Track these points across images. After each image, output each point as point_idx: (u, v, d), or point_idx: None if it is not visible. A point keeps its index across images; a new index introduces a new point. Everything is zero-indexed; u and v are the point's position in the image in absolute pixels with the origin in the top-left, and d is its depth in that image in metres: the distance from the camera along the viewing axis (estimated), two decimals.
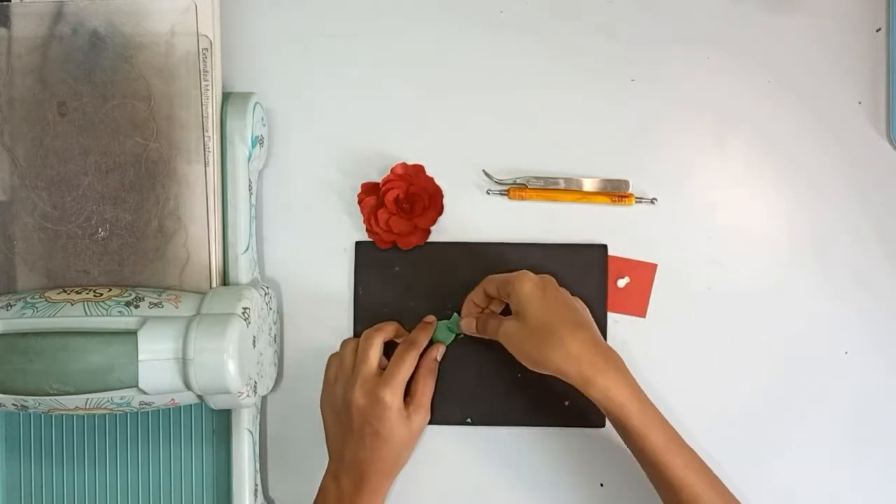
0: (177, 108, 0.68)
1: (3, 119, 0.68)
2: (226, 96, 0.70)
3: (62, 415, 0.69)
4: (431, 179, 0.74)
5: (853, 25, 0.75)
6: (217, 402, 0.64)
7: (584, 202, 0.74)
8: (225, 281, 0.69)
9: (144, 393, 0.60)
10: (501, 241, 0.74)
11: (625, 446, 0.70)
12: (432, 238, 0.74)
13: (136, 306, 0.62)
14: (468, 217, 0.74)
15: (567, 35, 0.75)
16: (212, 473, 0.70)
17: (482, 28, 0.75)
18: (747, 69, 0.74)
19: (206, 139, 0.68)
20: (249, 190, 0.70)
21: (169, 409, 0.69)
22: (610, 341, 0.73)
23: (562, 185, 0.73)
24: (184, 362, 0.59)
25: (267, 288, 0.71)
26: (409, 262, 0.74)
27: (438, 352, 0.72)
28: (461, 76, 0.75)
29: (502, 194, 0.74)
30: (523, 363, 0.65)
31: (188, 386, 0.60)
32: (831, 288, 0.74)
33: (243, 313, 0.63)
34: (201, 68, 0.67)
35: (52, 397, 0.59)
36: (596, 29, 0.75)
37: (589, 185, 0.74)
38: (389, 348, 0.71)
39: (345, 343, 0.72)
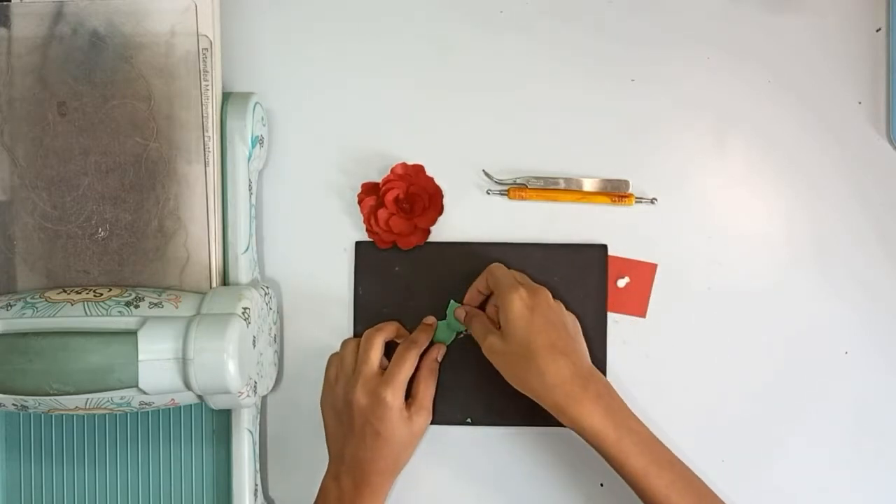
0: (177, 108, 0.68)
1: (3, 119, 0.68)
2: (226, 96, 0.70)
3: (62, 415, 0.69)
4: (431, 179, 0.74)
5: (853, 25, 0.74)
6: (217, 402, 0.64)
7: (584, 202, 0.74)
8: (225, 281, 0.69)
9: (144, 393, 0.60)
10: (501, 241, 0.74)
11: None
12: (432, 238, 0.74)
13: (136, 306, 0.62)
14: (468, 217, 0.74)
15: (567, 35, 0.75)
16: (212, 473, 0.70)
17: (482, 28, 0.75)
18: (747, 69, 0.74)
19: (206, 139, 0.68)
20: (249, 190, 0.70)
21: (169, 409, 0.69)
22: (610, 341, 0.73)
23: (562, 185, 0.73)
24: (184, 362, 0.59)
25: (267, 288, 0.71)
26: (409, 262, 0.74)
27: (439, 352, 0.72)
28: (461, 76, 0.75)
29: (502, 194, 0.74)
30: (505, 379, 0.66)
31: (188, 386, 0.60)
32: (831, 288, 0.73)
33: (243, 313, 0.63)
34: (201, 68, 0.67)
35: (52, 397, 0.59)
36: (596, 29, 0.75)
37: (589, 185, 0.74)
38: (390, 349, 0.71)
39: (345, 343, 0.72)
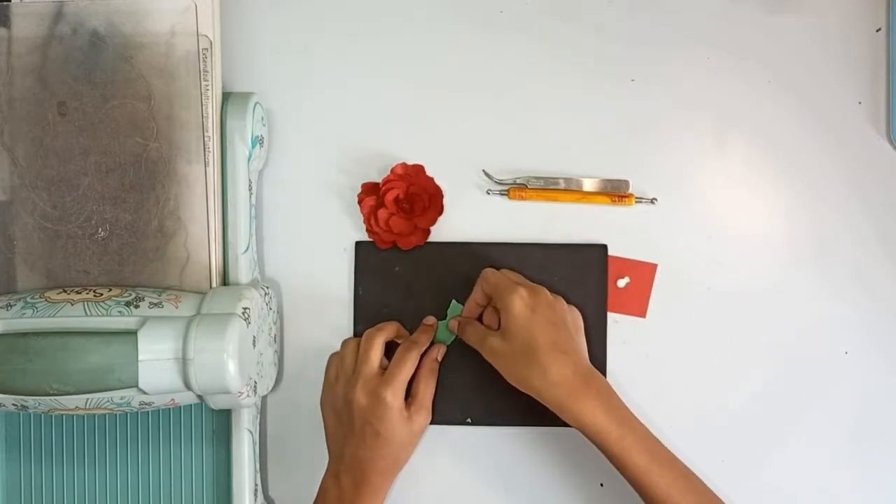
0: (177, 108, 0.68)
1: (3, 119, 0.68)
2: (226, 96, 0.70)
3: (62, 415, 0.69)
4: (431, 179, 0.74)
5: (853, 25, 0.74)
6: (217, 402, 0.64)
7: (584, 202, 0.74)
8: (225, 281, 0.69)
9: (144, 393, 0.60)
10: (501, 241, 0.74)
11: None
12: (432, 238, 0.74)
13: (136, 306, 0.62)
14: (468, 217, 0.74)
15: (567, 35, 0.75)
16: (212, 473, 0.70)
17: (482, 28, 0.75)
18: (747, 69, 0.74)
19: (206, 139, 0.68)
20: (249, 190, 0.70)
21: (169, 409, 0.69)
22: (610, 342, 0.73)
23: (562, 185, 0.73)
24: (184, 362, 0.59)
25: (267, 288, 0.71)
26: (409, 262, 0.74)
27: (439, 352, 0.72)
28: (461, 76, 0.75)
29: (502, 194, 0.74)
30: (507, 379, 0.66)
31: (188, 386, 0.60)
32: (831, 288, 0.73)
33: (243, 313, 0.63)
34: (201, 68, 0.67)
35: (52, 397, 0.59)
36: (596, 29, 0.75)
37: (589, 185, 0.74)
38: (390, 349, 0.71)
39: (345, 343, 0.72)
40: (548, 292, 0.67)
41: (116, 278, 0.68)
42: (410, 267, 0.74)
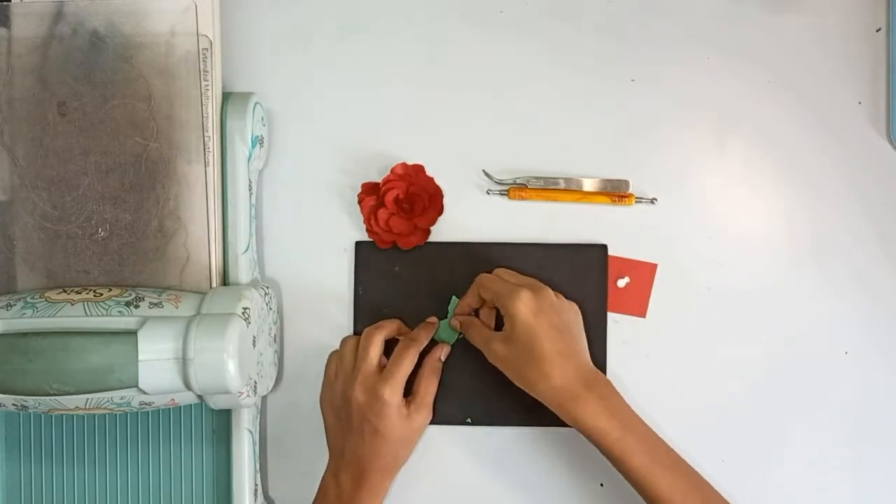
0: (177, 108, 0.68)
1: (3, 119, 0.68)
2: (226, 96, 0.70)
3: (62, 415, 0.69)
4: (431, 179, 0.74)
5: (853, 25, 0.74)
6: (217, 402, 0.64)
7: (584, 202, 0.74)
8: (225, 281, 0.69)
9: (144, 393, 0.60)
10: (501, 241, 0.74)
11: None
12: (432, 238, 0.74)
13: (136, 306, 0.62)
14: (468, 217, 0.74)
15: (567, 35, 0.75)
16: (212, 473, 0.70)
17: (482, 28, 0.75)
18: (747, 69, 0.74)
19: (206, 139, 0.68)
20: (249, 190, 0.70)
21: (169, 409, 0.69)
22: (610, 342, 0.73)
23: (562, 185, 0.73)
24: (184, 362, 0.59)
25: (267, 288, 0.71)
26: (410, 262, 0.74)
27: (442, 352, 0.72)
28: (461, 76, 0.75)
29: (502, 194, 0.74)
30: (512, 381, 0.67)
31: (188, 386, 0.60)
32: (831, 288, 0.73)
33: (243, 313, 0.63)
34: (201, 68, 0.67)
35: (52, 397, 0.59)
36: (596, 29, 0.75)
37: (589, 185, 0.74)
38: (391, 347, 0.71)
39: (345, 340, 0.72)
40: (551, 292, 0.68)
41: (116, 278, 0.68)
42: (411, 267, 0.74)
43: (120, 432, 0.70)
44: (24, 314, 0.61)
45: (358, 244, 0.74)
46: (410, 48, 0.75)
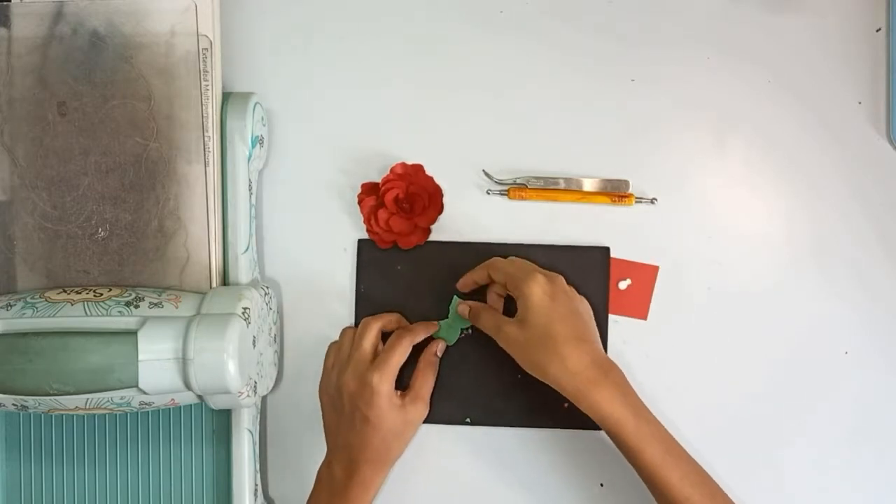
0: (177, 108, 0.68)
1: (3, 119, 0.68)
2: (226, 96, 0.70)
3: (62, 415, 0.69)
4: (431, 178, 0.74)
5: (853, 25, 0.74)
6: (217, 402, 0.64)
7: (584, 202, 0.74)
8: (225, 281, 0.69)
9: (144, 393, 0.60)
10: (501, 241, 0.74)
11: None
12: (433, 238, 0.74)
13: (136, 306, 0.62)
14: (468, 217, 0.74)
15: (567, 35, 0.75)
16: (212, 473, 0.70)
17: (482, 28, 0.75)
18: (747, 69, 0.74)
19: (206, 139, 0.68)
20: (249, 190, 0.70)
21: (169, 409, 0.69)
22: (611, 343, 0.73)
23: (562, 185, 0.73)
24: (184, 362, 0.59)
25: (267, 288, 0.71)
26: (411, 261, 0.74)
27: (438, 347, 0.72)
28: (461, 76, 0.75)
29: (502, 194, 0.74)
30: (522, 366, 0.66)
31: (188, 386, 0.60)
32: (831, 288, 0.73)
33: (243, 313, 0.63)
34: (201, 68, 0.67)
35: (52, 397, 0.59)
36: (596, 29, 0.75)
37: (589, 185, 0.74)
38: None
39: (344, 331, 0.72)
40: (564, 280, 0.67)
41: (116, 278, 0.68)
42: (412, 266, 0.74)
43: (120, 432, 0.70)
44: (24, 314, 0.61)
45: (360, 242, 0.74)
46: (410, 48, 0.75)
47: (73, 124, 0.68)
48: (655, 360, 0.73)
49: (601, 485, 0.73)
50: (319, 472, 0.69)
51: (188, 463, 0.70)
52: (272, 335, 0.71)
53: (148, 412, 0.69)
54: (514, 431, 0.73)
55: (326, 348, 0.72)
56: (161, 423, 0.70)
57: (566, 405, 0.72)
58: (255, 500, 0.69)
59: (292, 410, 0.74)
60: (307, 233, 0.75)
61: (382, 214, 0.72)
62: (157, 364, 0.59)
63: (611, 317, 0.73)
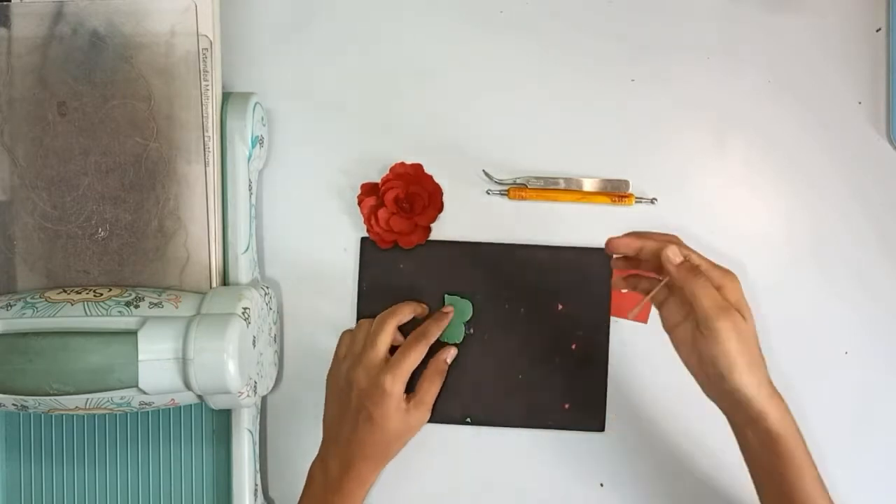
0: (177, 108, 0.68)
1: (3, 119, 0.68)
2: (226, 96, 0.70)
3: (62, 415, 0.69)
4: (430, 177, 0.74)
5: (853, 25, 0.74)
6: (217, 402, 0.64)
7: (584, 202, 0.74)
8: (225, 281, 0.69)
9: (144, 393, 0.60)
10: (501, 241, 0.74)
11: (624, 447, 0.71)
12: (433, 237, 0.74)
13: (136, 306, 0.62)
14: (468, 217, 0.74)
15: (567, 35, 0.75)
16: (212, 473, 0.70)
17: (482, 28, 0.75)
18: (747, 69, 0.74)
19: (206, 139, 0.68)
20: (249, 190, 0.70)
21: (169, 409, 0.69)
22: (611, 344, 0.73)
23: (562, 185, 0.73)
24: (184, 362, 0.59)
25: (267, 288, 0.71)
26: (413, 260, 0.74)
27: (449, 354, 0.72)
28: (461, 76, 0.75)
29: (502, 194, 0.74)
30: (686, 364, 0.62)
31: (188, 386, 0.60)
32: (831, 288, 0.73)
33: (243, 313, 0.63)
34: (201, 68, 0.67)
35: (52, 397, 0.59)
36: (596, 29, 0.75)
37: (589, 185, 0.74)
38: (406, 330, 0.71)
39: (361, 323, 0.71)
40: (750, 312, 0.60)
41: (116, 278, 0.68)
42: (414, 265, 0.74)
43: (120, 432, 0.70)
44: (24, 314, 0.61)
45: (363, 240, 0.74)
46: (410, 48, 0.75)
47: (73, 124, 0.68)
48: (657, 363, 0.73)
49: (601, 485, 0.73)
50: (312, 468, 0.69)
51: (188, 463, 0.70)
52: (272, 335, 0.71)
53: (148, 412, 0.69)
54: (514, 431, 0.73)
55: (326, 354, 0.72)
56: (161, 423, 0.70)
57: (567, 406, 0.73)
58: (255, 500, 0.69)
59: (292, 410, 0.74)
60: (307, 233, 0.75)
61: (383, 214, 0.72)
62: (157, 364, 0.59)
63: (612, 319, 0.73)
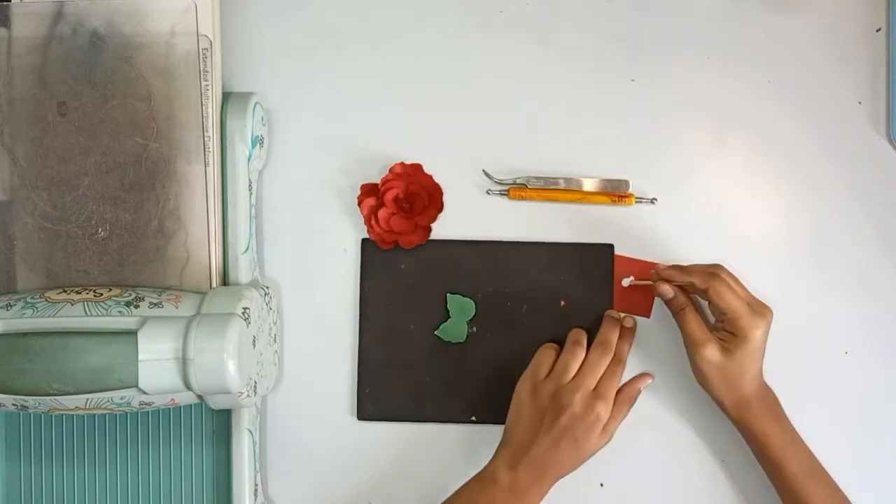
0: (177, 108, 0.68)
1: (3, 119, 0.68)
2: (226, 96, 0.70)
3: (62, 415, 0.69)
4: (430, 177, 0.74)
5: (853, 25, 0.74)
6: (217, 402, 0.64)
7: (584, 202, 0.74)
8: (225, 281, 0.69)
9: (144, 393, 0.60)
10: (501, 240, 0.74)
11: (624, 447, 0.71)
12: (434, 237, 0.74)
13: (136, 306, 0.62)
14: (468, 217, 0.74)
15: (567, 35, 0.75)
16: (212, 473, 0.70)
17: (482, 28, 0.75)
18: (747, 69, 0.74)
19: (206, 139, 0.68)
20: (249, 190, 0.70)
21: (169, 409, 0.69)
22: None
23: (562, 185, 0.73)
24: (184, 362, 0.59)
25: (267, 288, 0.71)
26: (413, 260, 0.74)
27: (644, 383, 0.72)
28: (461, 76, 0.75)
29: (502, 194, 0.74)
30: (694, 370, 0.69)
31: (188, 386, 0.60)
32: (831, 288, 0.73)
33: (243, 313, 0.63)
34: (201, 68, 0.67)
35: (52, 397, 0.59)
36: (596, 29, 0.75)
37: (589, 185, 0.74)
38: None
39: (574, 346, 0.71)
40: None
41: (116, 278, 0.68)
42: (414, 265, 0.74)
43: (120, 432, 0.70)
44: (24, 314, 0.61)
45: (364, 241, 0.74)
46: (410, 48, 0.75)
47: (73, 124, 0.68)
48: (658, 360, 0.73)
49: (601, 485, 0.73)
50: (497, 468, 0.68)
51: (188, 463, 0.70)
52: (272, 335, 0.71)
53: (148, 412, 0.69)
54: None
55: (326, 354, 0.72)
56: (161, 423, 0.70)
57: None
58: (255, 500, 0.69)
59: (292, 410, 0.74)
60: (307, 233, 0.75)
61: (383, 214, 0.72)
62: (157, 364, 0.59)
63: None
